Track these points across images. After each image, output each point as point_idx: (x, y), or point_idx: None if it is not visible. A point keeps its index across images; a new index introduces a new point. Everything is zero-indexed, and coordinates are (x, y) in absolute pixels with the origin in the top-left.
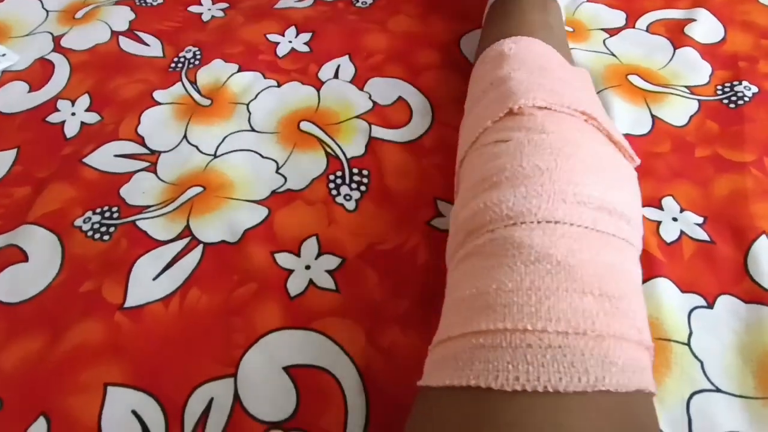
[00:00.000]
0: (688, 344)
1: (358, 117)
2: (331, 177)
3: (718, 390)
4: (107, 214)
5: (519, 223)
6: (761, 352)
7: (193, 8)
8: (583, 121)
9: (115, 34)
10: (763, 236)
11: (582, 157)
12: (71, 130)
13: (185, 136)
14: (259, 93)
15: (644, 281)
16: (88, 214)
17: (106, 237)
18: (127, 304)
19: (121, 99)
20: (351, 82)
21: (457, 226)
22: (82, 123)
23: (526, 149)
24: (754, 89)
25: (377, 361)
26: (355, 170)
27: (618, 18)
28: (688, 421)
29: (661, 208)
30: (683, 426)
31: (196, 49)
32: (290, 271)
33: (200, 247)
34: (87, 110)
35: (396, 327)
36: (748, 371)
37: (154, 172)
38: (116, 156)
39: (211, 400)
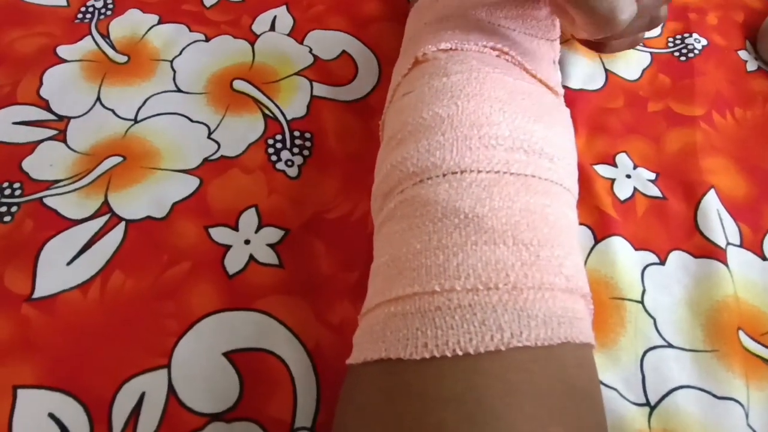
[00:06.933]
0: (642, 302)
1: (297, 74)
2: (270, 141)
3: (669, 345)
4: (7, 192)
5: (425, 180)
6: (709, 306)
7: None
8: (495, 57)
9: None
10: (712, 191)
11: (488, 95)
12: None
13: (99, 99)
14: (184, 48)
15: (599, 240)
16: None
17: (6, 218)
18: (36, 295)
19: (18, 56)
20: (289, 35)
21: (374, 191)
22: None
23: (426, 98)
24: (704, 42)
25: (327, 339)
26: (297, 133)
27: None
28: (642, 378)
29: (615, 165)
30: (637, 383)
31: None
32: (227, 247)
33: (122, 225)
34: None
35: (346, 301)
36: (698, 325)
37: (64, 140)
38: (15, 123)
39: (142, 395)
